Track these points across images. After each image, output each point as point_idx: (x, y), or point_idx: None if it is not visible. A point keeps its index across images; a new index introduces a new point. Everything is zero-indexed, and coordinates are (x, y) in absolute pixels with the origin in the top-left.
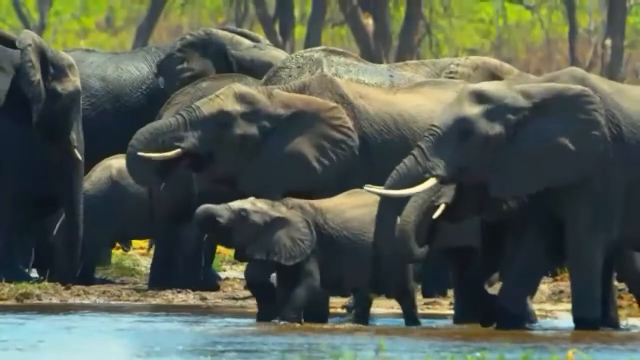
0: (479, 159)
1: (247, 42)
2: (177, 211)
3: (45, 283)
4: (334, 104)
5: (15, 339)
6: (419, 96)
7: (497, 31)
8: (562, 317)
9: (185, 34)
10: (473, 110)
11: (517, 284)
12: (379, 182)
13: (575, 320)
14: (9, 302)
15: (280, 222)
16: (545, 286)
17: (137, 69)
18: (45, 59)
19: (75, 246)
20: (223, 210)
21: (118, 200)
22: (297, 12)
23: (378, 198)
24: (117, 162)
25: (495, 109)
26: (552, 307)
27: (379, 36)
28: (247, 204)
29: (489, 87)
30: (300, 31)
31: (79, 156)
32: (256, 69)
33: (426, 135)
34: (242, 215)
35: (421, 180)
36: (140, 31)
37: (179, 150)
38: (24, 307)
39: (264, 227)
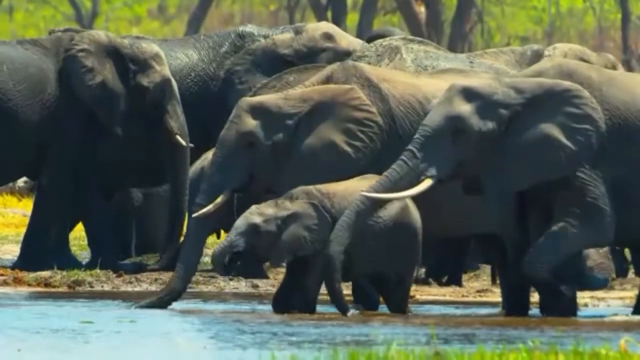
0: (474, 156)
1: (287, 37)
2: None
3: (97, 270)
4: (348, 86)
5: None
6: (442, 82)
7: (549, 18)
8: (614, 304)
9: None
10: (464, 107)
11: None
12: None
13: None
14: (60, 289)
15: (291, 218)
16: None
17: (187, 56)
18: (120, 57)
19: (175, 234)
20: (236, 240)
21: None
22: (349, 0)
23: None
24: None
25: (487, 105)
26: (605, 295)
27: (430, 24)
28: (254, 217)
29: (479, 83)
30: (352, 19)
31: (183, 142)
32: (301, 61)
33: (416, 136)
34: (256, 232)
35: (416, 183)
36: (192, 19)
37: (225, 195)
38: (75, 295)
39: (278, 231)
